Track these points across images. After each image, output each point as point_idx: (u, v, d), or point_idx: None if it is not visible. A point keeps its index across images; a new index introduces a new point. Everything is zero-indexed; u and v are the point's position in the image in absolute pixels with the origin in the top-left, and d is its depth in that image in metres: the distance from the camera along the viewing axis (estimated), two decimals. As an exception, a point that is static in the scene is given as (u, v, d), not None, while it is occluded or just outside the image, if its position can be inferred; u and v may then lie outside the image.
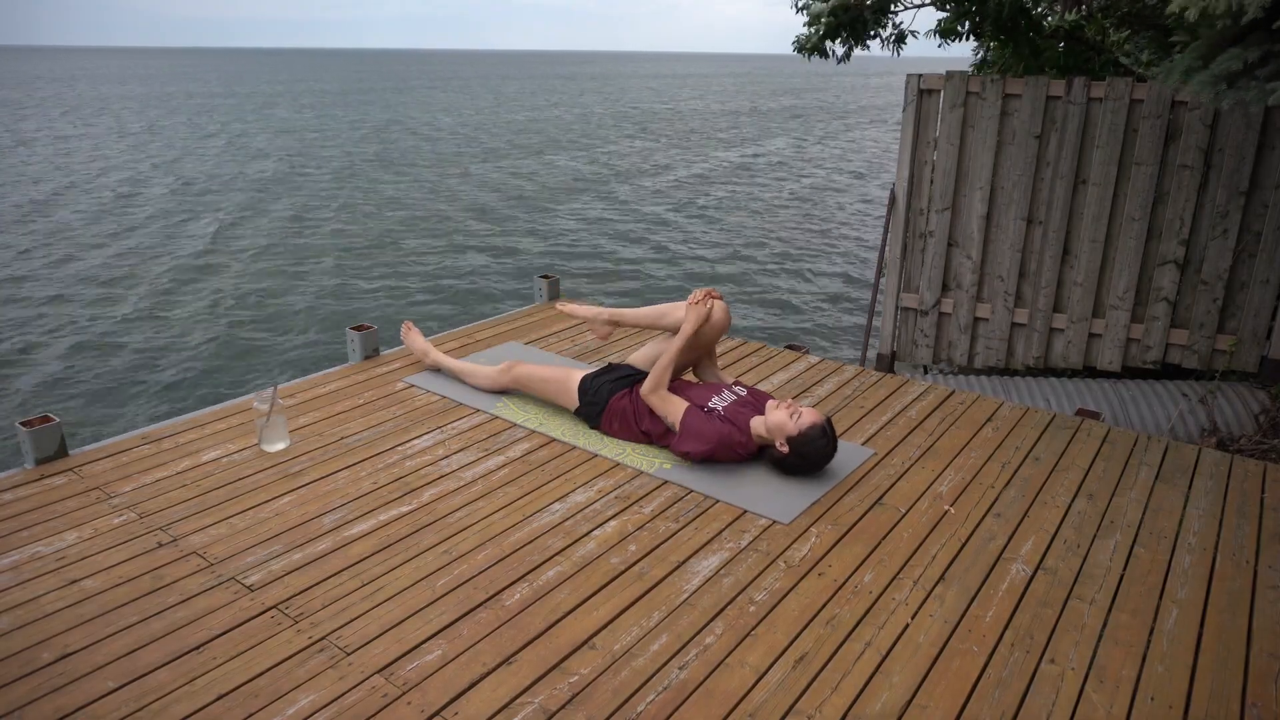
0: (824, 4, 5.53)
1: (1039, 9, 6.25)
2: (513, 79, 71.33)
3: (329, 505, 2.55)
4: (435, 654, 1.93)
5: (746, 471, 2.79)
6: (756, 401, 2.92)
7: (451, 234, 13.69)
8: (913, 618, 2.09)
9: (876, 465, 2.87)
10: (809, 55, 5.82)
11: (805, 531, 2.46)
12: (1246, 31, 2.99)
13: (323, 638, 1.98)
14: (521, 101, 44.37)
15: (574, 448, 2.95)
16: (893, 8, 5.71)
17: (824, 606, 2.13)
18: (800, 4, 5.68)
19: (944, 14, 5.95)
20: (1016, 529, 2.49)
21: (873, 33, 5.73)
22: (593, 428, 3.08)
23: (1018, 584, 2.23)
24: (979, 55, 7.61)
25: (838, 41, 5.72)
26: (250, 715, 1.75)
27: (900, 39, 6.03)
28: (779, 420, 2.74)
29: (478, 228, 14.19)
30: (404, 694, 1.81)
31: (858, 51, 5.92)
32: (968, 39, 6.22)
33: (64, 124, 29.28)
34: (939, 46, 6.27)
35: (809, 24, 5.66)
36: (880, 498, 2.66)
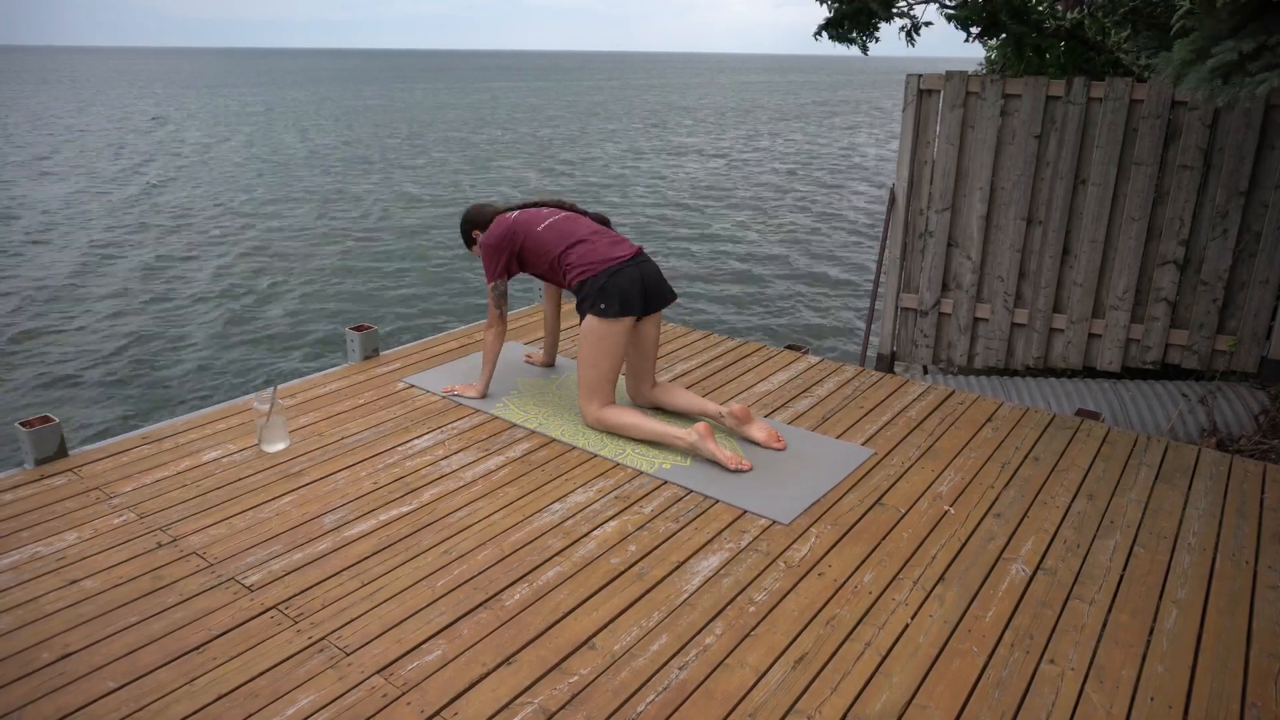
0: None
1: (1041, 7, 6.24)
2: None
3: (329, 505, 2.55)
4: (435, 654, 1.93)
5: (746, 472, 2.79)
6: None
7: (453, 234, 13.68)
8: (912, 618, 2.09)
9: (876, 465, 2.87)
10: (819, 36, 5.87)
11: (805, 531, 2.46)
12: (1245, 22, 2.98)
13: (323, 638, 1.98)
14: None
15: (574, 448, 2.95)
16: (899, 2, 5.71)
17: (824, 606, 2.13)
18: None
19: (951, 10, 5.94)
20: (1016, 529, 2.49)
21: (880, 25, 5.73)
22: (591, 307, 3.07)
23: (1017, 584, 2.23)
24: (986, 57, 7.61)
25: (841, 32, 5.73)
26: (250, 715, 1.75)
27: (914, 29, 6.02)
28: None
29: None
30: (404, 694, 1.81)
31: (870, 47, 5.93)
32: (974, 39, 6.21)
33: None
34: (965, 41, 6.25)
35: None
36: (880, 498, 2.66)
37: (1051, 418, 3.27)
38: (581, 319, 3.05)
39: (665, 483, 2.72)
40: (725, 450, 2.84)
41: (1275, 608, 2.16)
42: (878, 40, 5.95)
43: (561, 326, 3.98)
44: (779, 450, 2.96)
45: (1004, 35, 6.10)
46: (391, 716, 1.75)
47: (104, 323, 9.07)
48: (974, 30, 5.97)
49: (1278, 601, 2.18)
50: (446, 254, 12.40)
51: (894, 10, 5.69)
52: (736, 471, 2.79)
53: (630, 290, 3.00)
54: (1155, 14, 4.96)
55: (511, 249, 3.19)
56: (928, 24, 6.05)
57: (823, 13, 5.74)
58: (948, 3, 5.86)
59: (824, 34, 5.82)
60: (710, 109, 41.70)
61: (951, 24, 6.08)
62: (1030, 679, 1.89)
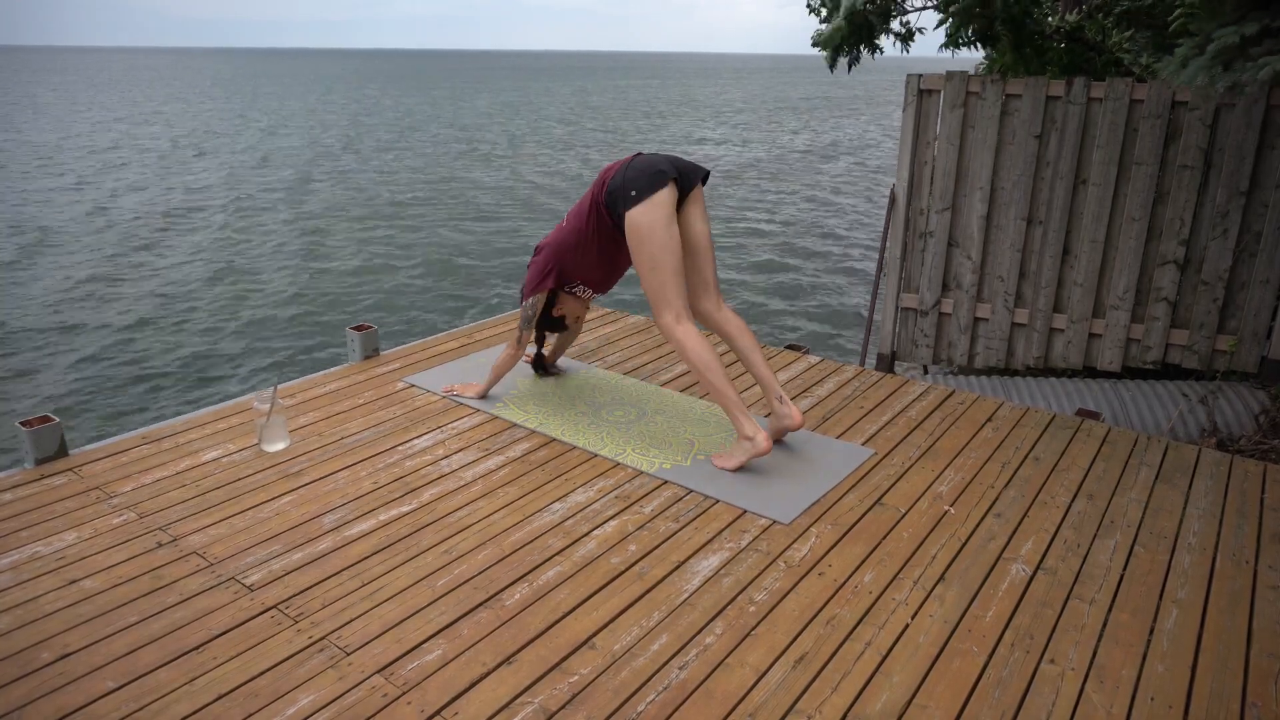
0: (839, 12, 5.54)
1: (1042, 7, 6.22)
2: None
3: (329, 505, 2.55)
4: (435, 654, 1.93)
5: (746, 472, 2.79)
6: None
7: (452, 233, 13.69)
8: (913, 618, 2.09)
9: (876, 465, 2.87)
10: (831, 60, 5.85)
11: (805, 531, 2.46)
12: (1247, 11, 2.98)
13: (323, 638, 1.98)
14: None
15: (574, 448, 2.95)
16: (894, 10, 5.71)
17: (824, 606, 2.13)
18: (816, 6, 5.69)
19: (948, 20, 5.93)
20: (1016, 529, 2.49)
21: (879, 36, 5.73)
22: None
23: (1018, 584, 2.23)
24: (984, 58, 7.60)
25: (848, 49, 5.74)
26: (250, 715, 1.75)
27: (908, 36, 6.02)
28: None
29: (478, 228, 14.19)
30: (404, 694, 1.81)
31: (868, 57, 5.93)
32: (973, 46, 6.20)
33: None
34: (940, 49, 6.26)
35: (824, 22, 5.67)
36: (880, 498, 2.66)
37: (1052, 417, 3.26)
38: (623, 231, 2.83)
39: (665, 482, 2.72)
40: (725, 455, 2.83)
41: (1275, 608, 2.16)
42: (881, 52, 5.96)
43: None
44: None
45: (998, 44, 6.09)
46: (392, 716, 1.75)
47: (105, 323, 9.07)
48: (970, 38, 5.96)
49: (1278, 601, 2.18)
50: (448, 254, 12.40)
51: (893, 15, 5.68)
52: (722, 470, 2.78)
53: (651, 166, 2.76)
54: (1153, 13, 4.96)
55: (559, 256, 3.07)
56: (920, 30, 6.05)
57: (809, 25, 5.76)
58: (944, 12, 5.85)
59: (837, 59, 5.82)
60: (759, 103, 42.46)
61: (940, 33, 6.09)
62: (1030, 679, 1.89)
